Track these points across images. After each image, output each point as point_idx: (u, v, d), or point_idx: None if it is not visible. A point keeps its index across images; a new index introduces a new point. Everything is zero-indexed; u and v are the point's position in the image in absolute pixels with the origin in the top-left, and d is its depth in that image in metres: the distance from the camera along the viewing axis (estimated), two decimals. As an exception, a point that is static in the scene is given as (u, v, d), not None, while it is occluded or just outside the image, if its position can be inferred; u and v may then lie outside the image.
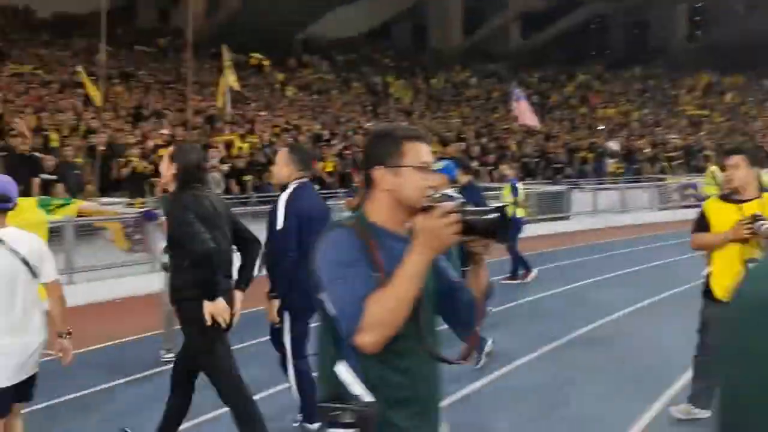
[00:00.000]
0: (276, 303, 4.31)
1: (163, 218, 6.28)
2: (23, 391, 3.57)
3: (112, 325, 7.70)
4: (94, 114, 14.88)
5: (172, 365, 4.23)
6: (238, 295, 4.00)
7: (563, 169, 19.78)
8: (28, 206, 9.59)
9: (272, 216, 4.30)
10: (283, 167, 4.45)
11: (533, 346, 6.56)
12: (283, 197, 4.31)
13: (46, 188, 11.08)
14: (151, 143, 13.81)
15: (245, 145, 15.54)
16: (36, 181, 11.15)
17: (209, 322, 3.75)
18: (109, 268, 9.04)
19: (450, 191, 6.11)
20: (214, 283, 3.72)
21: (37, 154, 11.70)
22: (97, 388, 5.52)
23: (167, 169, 3.91)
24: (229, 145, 15.11)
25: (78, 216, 9.89)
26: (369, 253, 1.88)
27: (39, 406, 5.16)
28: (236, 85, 15.87)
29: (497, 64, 33.75)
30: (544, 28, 36.85)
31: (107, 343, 6.86)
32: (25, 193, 10.83)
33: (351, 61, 31.08)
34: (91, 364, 5.90)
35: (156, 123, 15.72)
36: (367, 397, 1.84)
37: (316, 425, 4.38)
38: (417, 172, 1.95)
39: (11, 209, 3.56)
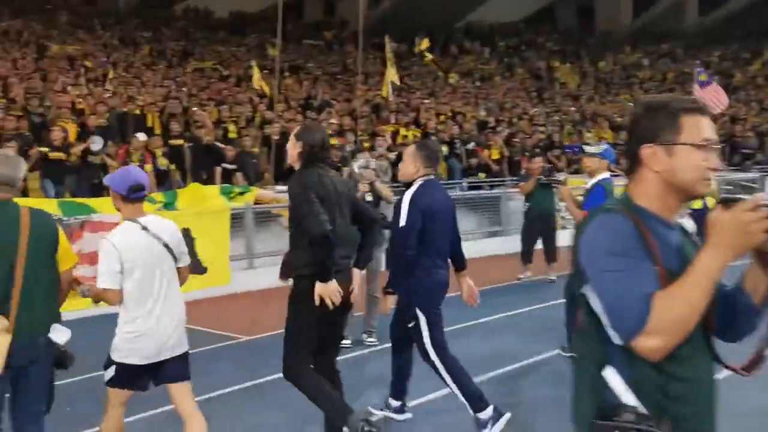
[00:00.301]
0: (391, 298, 4.33)
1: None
2: (175, 371, 3.66)
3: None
4: (267, 106, 15.51)
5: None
6: (356, 273, 4.00)
7: (753, 155, 18.02)
8: (211, 194, 10.12)
9: (396, 212, 4.33)
10: (409, 164, 4.44)
11: None
12: (408, 194, 4.33)
13: (227, 177, 11.63)
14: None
15: (409, 133, 15.52)
16: (218, 170, 11.74)
17: (317, 302, 3.76)
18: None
19: None
20: (327, 264, 3.73)
21: (219, 144, 12.31)
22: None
23: (293, 148, 3.96)
24: (395, 134, 15.14)
25: (255, 203, 10.28)
26: (644, 242, 1.60)
27: (230, 389, 5.34)
28: (396, 80, 15.86)
29: (671, 44, 31.49)
30: (723, 3, 33.86)
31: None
32: (209, 181, 11.46)
33: (513, 46, 30.33)
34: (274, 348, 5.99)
35: (327, 113, 16.06)
36: (641, 408, 1.58)
37: (485, 414, 4.31)
38: (696, 151, 1.64)
39: (146, 198, 3.72)
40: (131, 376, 3.60)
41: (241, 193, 10.33)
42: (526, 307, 8.13)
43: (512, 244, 10.79)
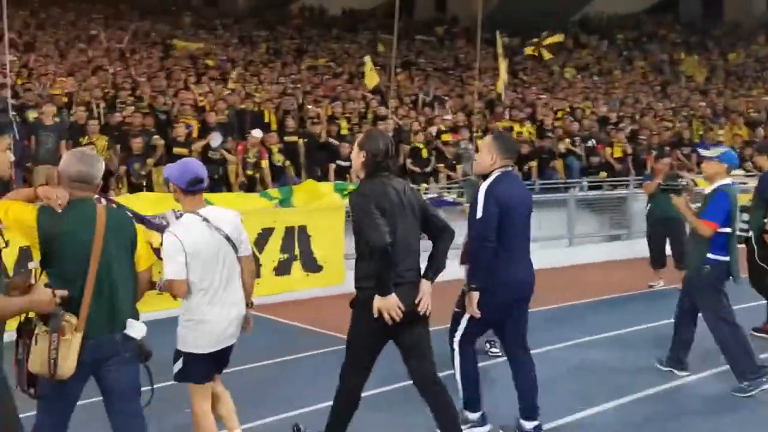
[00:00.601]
0: (475, 295, 4.19)
1: (466, 205, 6.03)
2: (222, 360, 3.82)
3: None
4: (380, 102, 15.45)
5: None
6: (425, 284, 3.86)
7: None
8: (326, 191, 10.06)
9: (473, 205, 4.24)
10: (486, 155, 4.32)
11: None
12: (485, 185, 4.23)
13: (341, 174, 11.58)
14: (433, 129, 13.88)
15: (524, 130, 15.00)
16: (332, 166, 11.73)
17: (375, 315, 3.70)
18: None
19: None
20: (385, 277, 3.66)
21: (333, 141, 12.30)
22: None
23: (356, 158, 3.88)
24: (509, 131, 14.65)
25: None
26: None
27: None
28: (505, 77, 15.37)
29: (814, 33, 29.02)
30: None
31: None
32: (323, 178, 11.47)
33: (633, 38, 28.89)
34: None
35: (440, 109, 15.82)
36: None
37: (474, 414, 4.47)
38: None
39: (205, 190, 3.84)
40: (198, 367, 3.70)
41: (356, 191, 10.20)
42: (661, 320, 7.22)
43: (640, 247, 10.14)
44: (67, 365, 3.00)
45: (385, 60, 20.19)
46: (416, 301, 3.78)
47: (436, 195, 10.24)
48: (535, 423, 4.42)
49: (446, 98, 17.58)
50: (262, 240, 8.17)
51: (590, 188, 13.47)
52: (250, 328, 3.93)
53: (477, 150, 12.86)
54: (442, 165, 12.95)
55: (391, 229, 3.65)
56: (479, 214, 4.17)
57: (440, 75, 21.39)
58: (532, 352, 4.53)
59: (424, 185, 11.72)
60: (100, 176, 3.33)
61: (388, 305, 3.66)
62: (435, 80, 20.04)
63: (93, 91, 12.72)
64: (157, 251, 7.11)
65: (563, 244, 11.88)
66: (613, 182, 13.80)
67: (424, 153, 12.67)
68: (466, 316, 4.31)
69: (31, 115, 11.02)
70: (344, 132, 13.35)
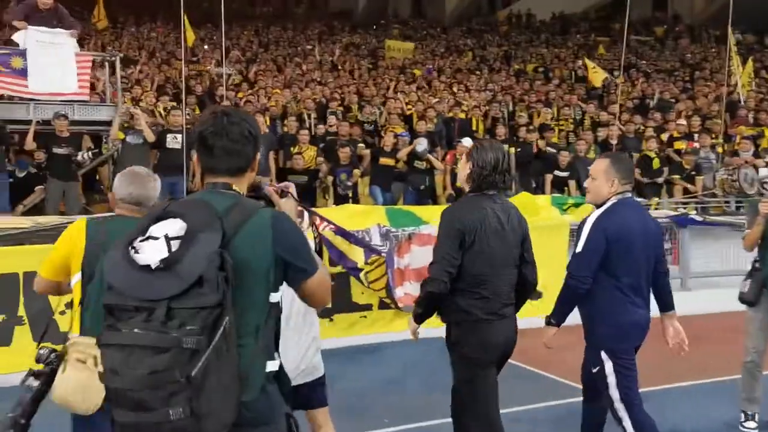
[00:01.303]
0: (551, 330, 3.74)
1: (747, 231, 4.78)
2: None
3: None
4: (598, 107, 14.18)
5: None
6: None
7: None
8: (543, 204, 9.07)
9: (577, 236, 3.75)
10: (604, 182, 3.71)
11: None
12: (595, 214, 3.70)
13: (560, 186, 10.52)
14: (665, 135, 12.31)
15: (774, 136, 12.83)
16: (548, 177, 10.70)
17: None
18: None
19: None
20: (427, 309, 3.49)
21: (550, 149, 11.28)
22: None
23: (463, 169, 3.57)
24: (756, 138, 12.58)
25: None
26: None
27: None
28: (748, 76, 13.30)
29: None
30: None
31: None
32: (538, 190, 10.48)
33: None
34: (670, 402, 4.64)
35: (668, 114, 14.11)
36: None
37: None
38: None
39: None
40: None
41: (576, 205, 9.03)
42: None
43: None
44: (98, 396, 2.54)
45: (601, 63, 18.91)
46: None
47: (680, 212, 8.78)
48: None
49: (673, 101, 15.78)
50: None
51: None
52: None
53: (719, 159, 11.25)
54: (677, 176, 11.33)
55: (483, 254, 3.35)
56: (578, 248, 3.66)
57: (664, 77, 19.50)
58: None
59: (656, 199, 10.27)
60: (156, 195, 3.08)
61: (412, 329, 3.59)
62: (659, 82, 18.19)
63: (305, 103, 12.86)
64: (355, 270, 6.70)
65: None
66: None
67: (656, 163, 11.16)
68: (609, 368, 3.67)
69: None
70: (554, 140, 12.28)
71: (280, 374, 2.17)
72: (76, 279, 2.91)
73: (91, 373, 2.65)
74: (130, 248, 1.97)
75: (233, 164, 2.17)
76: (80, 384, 2.69)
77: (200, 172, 2.25)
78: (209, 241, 1.95)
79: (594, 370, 3.71)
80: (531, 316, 6.80)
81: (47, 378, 2.74)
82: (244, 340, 2.01)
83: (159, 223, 2.00)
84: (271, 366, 2.11)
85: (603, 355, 3.65)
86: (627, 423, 3.63)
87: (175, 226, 1.98)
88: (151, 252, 1.94)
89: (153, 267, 1.91)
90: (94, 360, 2.68)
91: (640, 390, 3.69)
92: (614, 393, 3.64)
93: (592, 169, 3.83)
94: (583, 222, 3.72)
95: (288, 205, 2.54)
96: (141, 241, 1.97)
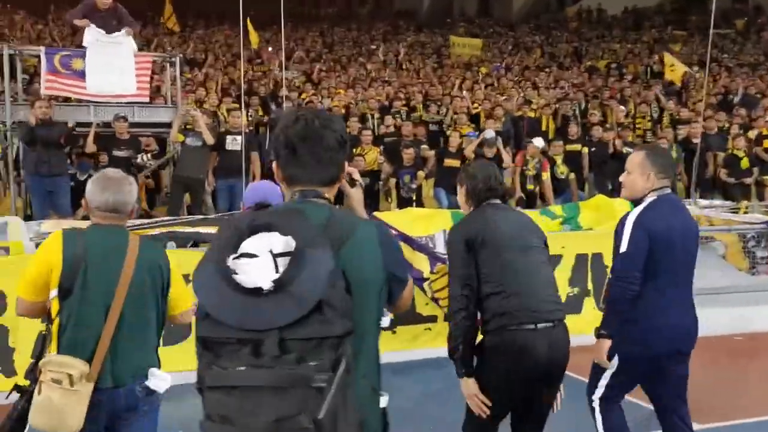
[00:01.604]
0: (605, 343, 3.46)
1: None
2: None
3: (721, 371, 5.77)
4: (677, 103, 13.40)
5: None
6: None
7: None
8: (621, 208, 8.41)
9: (618, 236, 3.44)
10: (640, 176, 3.48)
11: None
12: (635, 212, 3.45)
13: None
14: (752, 133, 11.45)
15: None
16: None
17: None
18: (723, 293, 7.10)
19: None
20: (457, 347, 3.12)
21: (628, 149, 10.61)
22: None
23: (460, 195, 3.49)
24: None
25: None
26: None
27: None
28: None
29: None
30: None
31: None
32: (615, 193, 9.83)
33: None
34: None
35: (754, 110, 13.21)
36: None
37: None
38: None
39: None
40: None
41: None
42: None
43: None
44: (76, 419, 2.59)
45: (679, 58, 18.06)
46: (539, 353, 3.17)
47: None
48: None
49: (759, 96, 14.80)
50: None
51: None
52: None
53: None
54: (768, 177, 10.51)
55: (499, 261, 3.14)
56: (623, 247, 3.40)
57: (747, 71, 18.42)
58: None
59: (745, 202, 9.48)
60: (133, 200, 2.88)
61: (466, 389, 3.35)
62: (743, 77, 17.14)
63: (369, 102, 12.55)
64: (420, 280, 6.28)
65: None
66: None
67: (745, 162, 10.36)
68: (609, 372, 3.53)
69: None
70: (630, 138, 11.59)
71: (385, 411, 1.89)
72: (53, 294, 2.74)
73: (67, 393, 2.58)
74: (226, 268, 1.61)
75: (326, 174, 1.91)
76: (55, 407, 2.57)
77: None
78: (323, 259, 1.63)
79: (595, 361, 3.57)
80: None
81: (30, 396, 2.66)
82: (360, 372, 1.74)
83: (253, 236, 1.64)
84: (384, 402, 1.86)
85: (615, 359, 3.49)
86: (598, 416, 3.57)
87: (277, 241, 1.63)
88: (256, 272, 1.59)
89: (265, 290, 1.58)
90: (70, 379, 2.59)
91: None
92: (600, 390, 3.56)
93: (628, 162, 3.62)
94: (622, 221, 3.46)
95: (357, 195, 2.24)
96: (235, 258, 1.62)
